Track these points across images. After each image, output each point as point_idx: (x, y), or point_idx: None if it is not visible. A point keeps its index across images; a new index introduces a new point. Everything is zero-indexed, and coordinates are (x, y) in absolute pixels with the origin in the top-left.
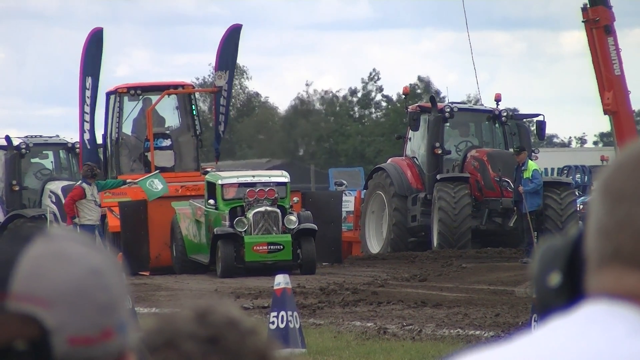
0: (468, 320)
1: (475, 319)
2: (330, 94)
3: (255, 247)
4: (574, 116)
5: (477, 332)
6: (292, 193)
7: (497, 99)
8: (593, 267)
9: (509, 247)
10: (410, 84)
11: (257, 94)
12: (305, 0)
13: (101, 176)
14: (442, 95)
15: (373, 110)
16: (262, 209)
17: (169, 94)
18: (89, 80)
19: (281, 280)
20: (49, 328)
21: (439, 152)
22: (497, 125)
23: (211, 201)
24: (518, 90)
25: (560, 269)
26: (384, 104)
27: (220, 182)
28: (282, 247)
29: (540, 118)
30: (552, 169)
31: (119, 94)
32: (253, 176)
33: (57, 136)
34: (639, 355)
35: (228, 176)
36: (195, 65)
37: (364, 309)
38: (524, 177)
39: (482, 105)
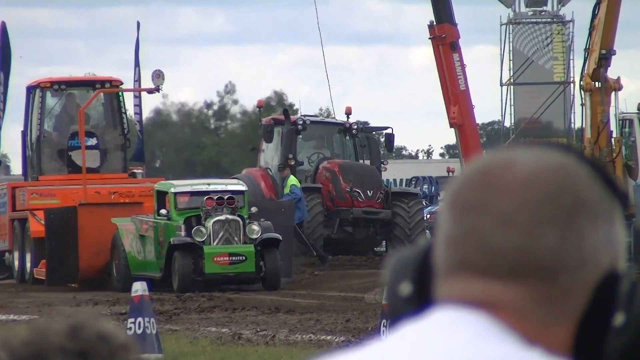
0: (320, 325)
1: (327, 325)
2: (187, 107)
3: (215, 258)
4: (421, 129)
5: (329, 337)
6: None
7: (348, 112)
8: (441, 276)
9: (360, 255)
10: (265, 97)
11: None
12: (164, 15)
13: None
14: (295, 108)
15: (229, 122)
16: (222, 217)
17: (103, 92)
18: (0, 76)
19: (138, 288)
20: None
21: (292, 163)
22: (347, 137)
23: (163, 211)
24: (369, 104)
25: (410, 279)
26: (239, 116)
27: (173, 190)
28: (244, 258)
29: (389, 131)
30: (401, 180)
31: (41, 88)
32: (208, 184)
33: None
34: (481, 357)
35: (181, 184)
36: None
37: (219, 315)
38: (284, 192)
39: (333, 118)
